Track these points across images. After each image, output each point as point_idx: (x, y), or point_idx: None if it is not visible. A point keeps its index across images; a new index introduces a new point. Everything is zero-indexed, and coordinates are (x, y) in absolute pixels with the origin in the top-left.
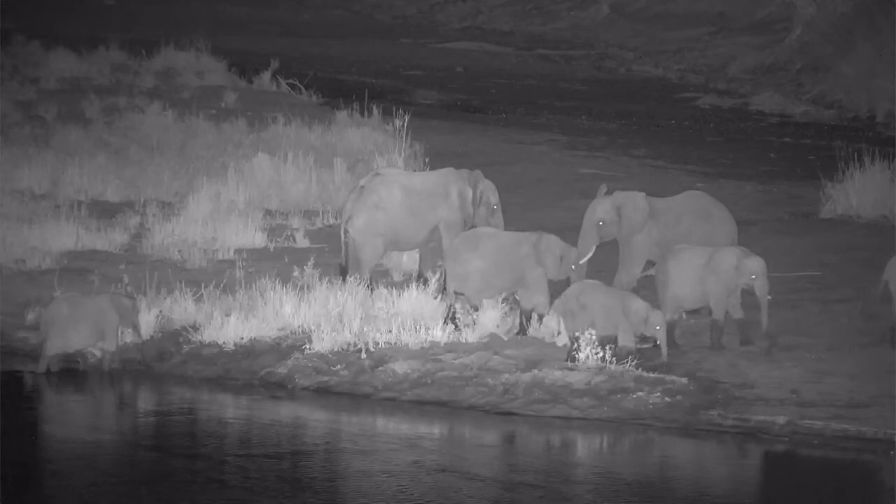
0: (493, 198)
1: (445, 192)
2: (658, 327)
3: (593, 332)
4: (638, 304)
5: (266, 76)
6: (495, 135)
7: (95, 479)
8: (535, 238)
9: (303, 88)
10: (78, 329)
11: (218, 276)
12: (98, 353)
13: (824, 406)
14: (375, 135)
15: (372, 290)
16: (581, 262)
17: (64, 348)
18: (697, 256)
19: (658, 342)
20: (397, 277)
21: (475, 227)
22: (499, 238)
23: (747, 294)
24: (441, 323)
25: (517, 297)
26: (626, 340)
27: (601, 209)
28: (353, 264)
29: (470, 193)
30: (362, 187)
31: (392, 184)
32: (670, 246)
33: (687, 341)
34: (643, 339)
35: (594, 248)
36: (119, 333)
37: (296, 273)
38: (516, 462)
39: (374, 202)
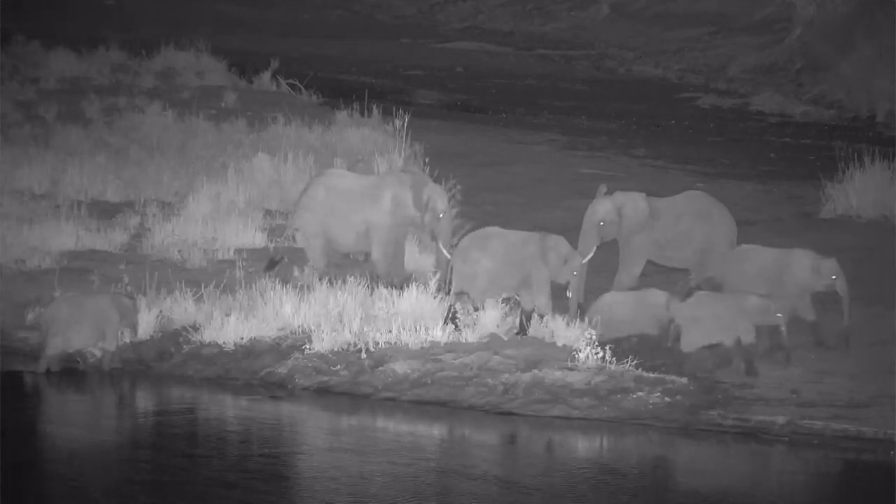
0: (440, 205)
1: (376, 196)
2: (779, 314)
3: (593, 333)
4: (753, 300)
5: (266, 76)
6: (495, 135)
7: (96, 479)
8: (541, 237)
9: (303, 88)
10: (78, 329)
11: (218, 276)
12: (98, 353)
13: (824, 406)
14: (375, 135)
15: (372, 290)
16: (583, 263)
17: (64, 348)
18: (765, 256)
19: (781, 328)
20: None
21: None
22: (507, 238)
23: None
24: (441, 323)
25: (517, 297)
26: (750, 338)
27: (602, 209)
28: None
29: (408, 198)
30: (305, 188)
31: (319, 184)
32: (670, 246)
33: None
34: (644, 338)
35: (595, 248)
36: (119, 333)
37: (296, 273)
38: (516, 462)
39: (303, 203)
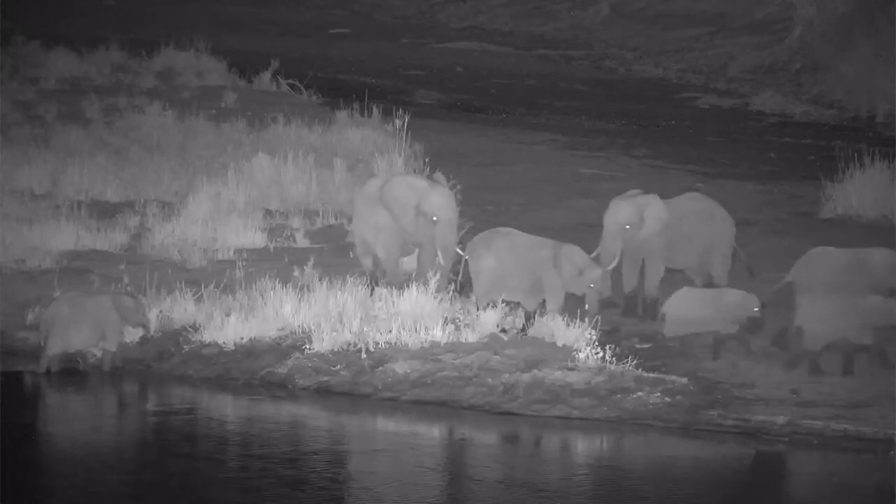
0: (428, 209)
1: (387, 199)
2: None
3: (593, 333)
4: (876, 300)
5: (266, 76)
6: (495, 135)
7: (96, 478)
8: (556, 245)
9: (303, 88)
10: (79, 329)
11: (218, 276)
12: (98, 353)
13: (824, 406)
14: (375, 135)
15: (372, 290)
16: (609, 268)
17: (65, 348)
18: (839, 257)
19: None
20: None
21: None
22: (517, 239)
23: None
24: (441, 322)
25: (520, 301)
26: (867, 338)
27: (625, 212)
28: None
29: (408, 201)
30: None
31: (358, 189)
32: (675, 247)
33: (687, 341)
34: (644, 338)
35: (620, 252)
36: (121, 333)
37: (296, 273)
38: (516, 462)
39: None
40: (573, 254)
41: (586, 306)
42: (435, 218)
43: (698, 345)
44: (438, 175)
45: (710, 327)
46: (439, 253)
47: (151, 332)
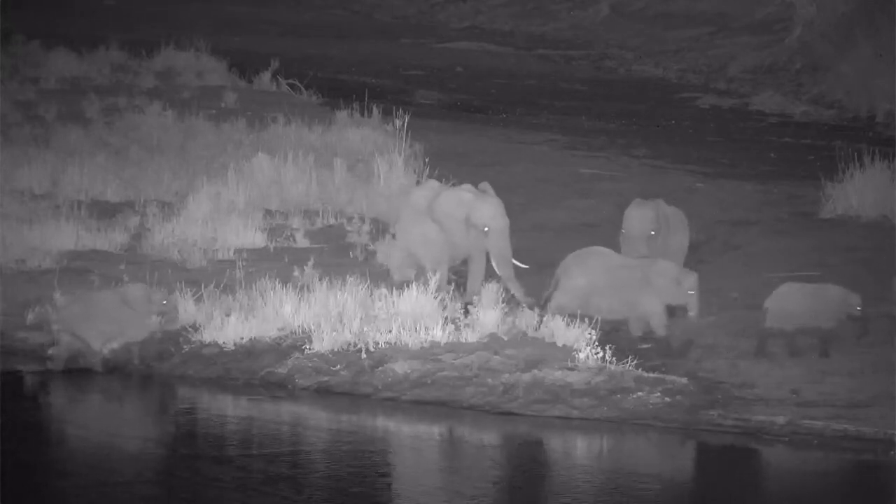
0: (479, 219)
1: (438, 214)
2: None
3: (593, 333)
4: None
5: (266, 76)
6: (495, 135)
7: (95, 478)
8: (648, 263)
9: (303, 88)
10: (92, 327)
11: (218, 276)
12: (105, 352)
13: (824, 406)
14: (375, 135)
15: (371, 290)
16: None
17: (74, 347)
18: None
19: None
20: (397, 277)
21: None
22: (609, 259)
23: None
24: (441, 322)
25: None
26: None
27: (650, 218)
28: None
29: (457, 215)
30: None
31: (403, 197)
32: (675, 254)
33: (687, 341)
34: (643, 339)
35: None
36: (138, 326)
37: (296, 273)
38: (516, 462)
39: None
40: (666, 268)
41: (689, 313)
42: (486, 228)
43: (699, 345)
44: (485, 185)
45: (812, 322)
46: (494, 263)
47: (174, 313)
